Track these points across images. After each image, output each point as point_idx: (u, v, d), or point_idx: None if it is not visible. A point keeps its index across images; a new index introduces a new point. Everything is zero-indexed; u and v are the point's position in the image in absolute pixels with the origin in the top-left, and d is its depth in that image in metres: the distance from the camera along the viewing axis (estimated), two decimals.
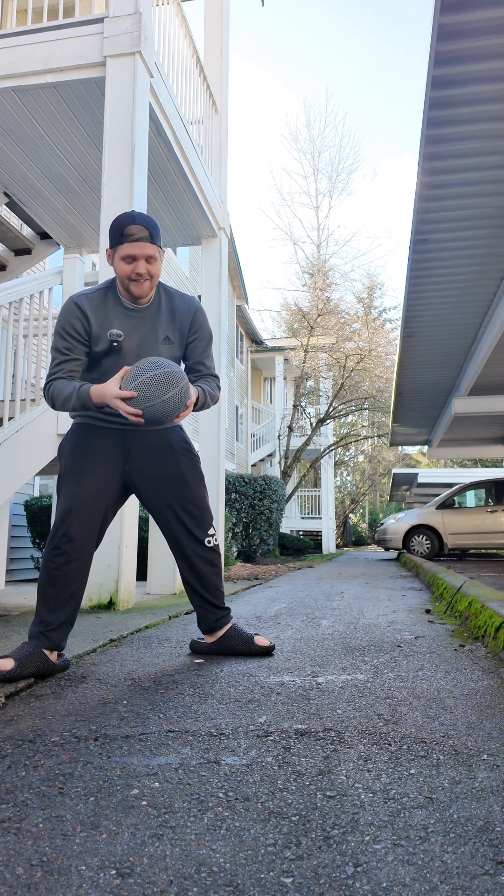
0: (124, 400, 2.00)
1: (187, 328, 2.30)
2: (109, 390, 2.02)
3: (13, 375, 4.25)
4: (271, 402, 22.47)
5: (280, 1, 48.95)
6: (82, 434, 2.26)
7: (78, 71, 4.14)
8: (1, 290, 3.90)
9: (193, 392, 2.15)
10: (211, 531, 2.38)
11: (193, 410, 2.23)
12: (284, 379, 20.31)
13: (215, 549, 2.40)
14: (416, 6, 46.81)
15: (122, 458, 2.28)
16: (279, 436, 17.91)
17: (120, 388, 2.02)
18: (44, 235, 6.55)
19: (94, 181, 5.27)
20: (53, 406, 2.15)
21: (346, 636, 2.86)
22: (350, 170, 48.26)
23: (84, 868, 0.93)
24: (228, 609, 2.45)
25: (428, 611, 3.78)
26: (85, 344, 2.17)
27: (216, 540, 2.41)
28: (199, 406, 2.28)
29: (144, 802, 1.15)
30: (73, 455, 2.23)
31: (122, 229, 2.11)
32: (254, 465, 19.39)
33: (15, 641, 2.57)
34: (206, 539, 2.35)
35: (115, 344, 2.18)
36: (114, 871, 0.92)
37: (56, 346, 2.16)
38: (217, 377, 2.42)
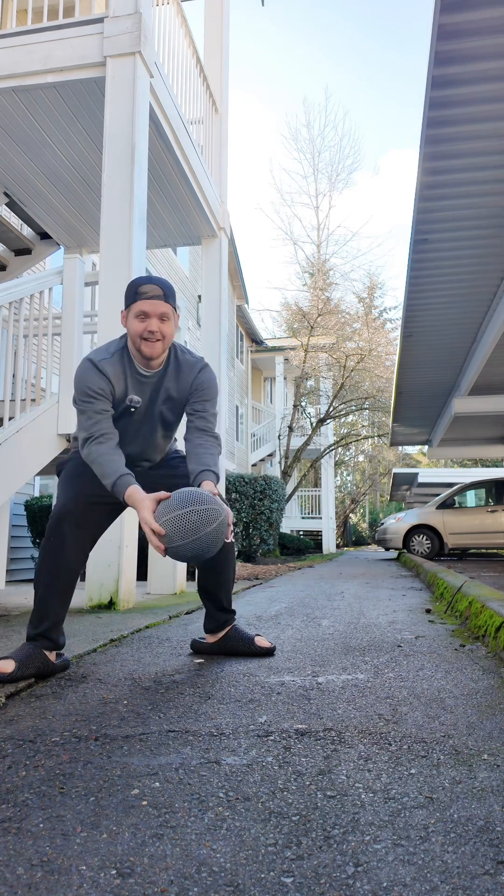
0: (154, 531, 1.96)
1: (189, 384, 2.26)
2: (142, 513, 1.97)
3: (13, 375, 4.25)
4: (271, 402, 22.47)
5: (280, 0, 48.96)
6: None
7: (78, 71, 4.14)
8: (1, 290, 3.90)
9: (228, 515, 2.05)
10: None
11: None
12: (284, 379, 20.31)
13: (231, 544, 2.39)
14: (416, 6, 46.82)
15: (137, 472, 2.36)
16: (279, 436, 17.91)
17: (154, 517, 1.96)
18: (44, 235, 6.55)
19: (94, 181, 5.27)
20: (88, 462, 2.10)
21: (347, 636, 2.86)
22: (350, 169, 48.37)
23: (84, 868, 0.93)
24: (234, 611, 2.46)
25: (428, 610, 3.78)
26: (110, 401, 2.15)
27: (231, 536, 2.40)
28: None
29: (145, 802, 1.15)
30: (75, 462, 2.25)
31: (137, 288, 2.12)
32: (254, 465, 19.39)
33: (15, 641, 2.57)
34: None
35: (133, 410, 2.19)
36: (114, 871, 0.92)
37: (83, 406, 2.11)
38: (217, 436, 2.33)
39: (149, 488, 2.34)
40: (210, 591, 2.39)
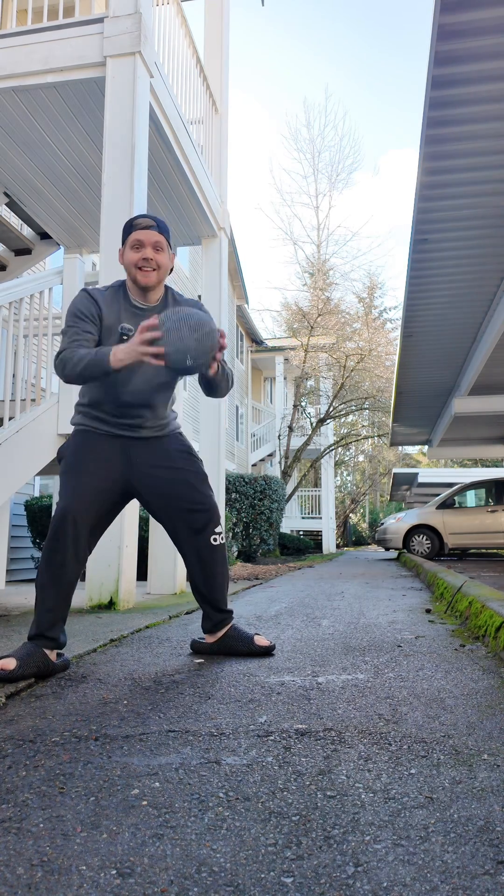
0: (150, 344, 1.98)
1: None
2: (131, 343, 2.00)
3: (13, 375, 4.25)
4: (271, 401, 22.48)
5: (280, 0, 48.96)
6: (84, 438, 2.27)
7: (78, 71, 4.14)
8: (1, 290, 3.90)
9: (223, 332, 2.10)
10: (218, 529, 2.37)
11: (216, 378, 2.18)
12: (284, 379, 20.31)
13: (221, 547, 2.39)
14: (416, 6, 46.82)
15: (124, 464, 2.29)
16: (279, 436, 17.91)
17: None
18: (44, 235, 6.55)
19: (94, 181, 5.27)
20: (63, 373, 2.09)
21: (347, 636, 2.86)
22: (350, 169, 48.39)
23: (84, 868, 0.93)
24: (231, 611, 2.45)
25: (428, 610, 3.78)
26: (97, 325, 2.17)
27: (222, 538, 2.40)
28: (222, 376, 2.22)
29: (145, 802, 1.15)
30: (74, 455, 2.23)
31: (132, 222, 2.19)
32: (254, 465, 19.39)
33: (15, 641, 2.57)
34: (213, 537, 2.36)
35: (126, 338, 2.18)
36: (114, 871, 0.92)
37: (69, 325, 2.16)
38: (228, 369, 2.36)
39: (151, 488, 2.32)
40: (203, 593, 2.39)
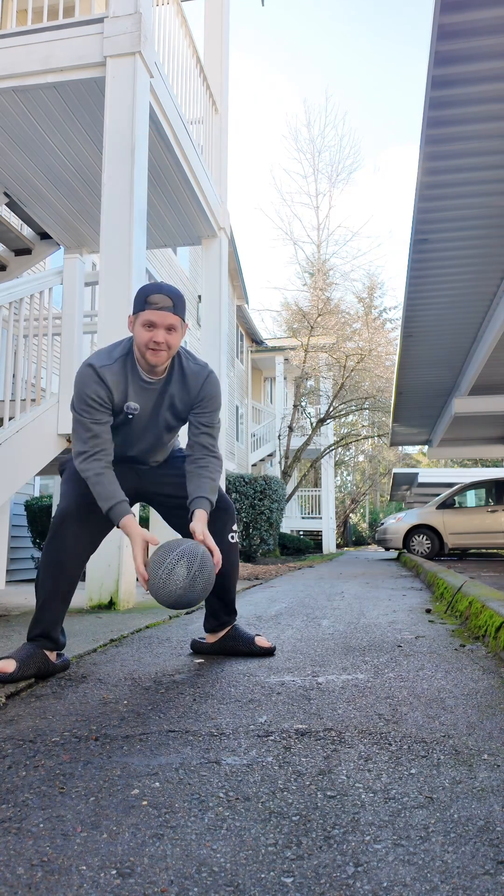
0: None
1: (195, 396, 2.25)
2: (134, 549, 2.04)
3: (13, 375, 4.25)
4: (271, 402, 22.48)
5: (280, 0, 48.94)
6: None
7: (78, 71, 4.14)
8: (1, 290, 3.90)
9: (217, 559, 2.10)
10: (235, 527, 2.41)
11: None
12: (284, 379, 20.32)
13: (237, 545, 2.43)
14: (417, 5, 46.81)
15: (133, 476, 2.36)
16: (279, 436, 17.91)
17: (145, 565, 2.02)
18: (44, 235, 6.54)
19: (94, 181, 5.27)
20: (85, 478, 2.10)
21: (347, 636, 2.86)
22: (350, 169, 48.38)
23: (84, 868, 0.93)
24: (235, 612, 2.46)
25: (428, 610, 3.78)
26: (109, 410, 2.14)
27: (237, 537, 2.44)
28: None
29: (145, 802, 1.15)
30: None
31: (147, 297, 2.10)
32: (254, 465, 19.39)
33: (15, 641, 2.57)
34: (231, 535, 2.39)
35: (131, 417, 2.19)
36: (114, 871, 0.92)
37: (82, 414, 2.10)
38: (217, 454, 2.32)
39: (152, 488, 2.37)
40: (218, 591, 2.39)
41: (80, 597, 4.14)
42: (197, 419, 2.28)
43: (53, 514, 2.17)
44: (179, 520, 2.38)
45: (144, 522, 6.11)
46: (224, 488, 6.17)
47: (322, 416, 17.51)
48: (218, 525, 2.34)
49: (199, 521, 2.14)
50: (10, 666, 1.93)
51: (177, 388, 2.24)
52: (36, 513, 7.16)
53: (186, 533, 2.37)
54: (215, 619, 2.42)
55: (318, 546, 20.24)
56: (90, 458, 2.09)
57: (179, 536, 2.39)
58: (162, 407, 2.23)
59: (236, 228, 39.41)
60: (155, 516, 5.22)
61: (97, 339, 4.24)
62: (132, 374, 2.17)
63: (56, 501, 5.67)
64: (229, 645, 2.40)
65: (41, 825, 1.07)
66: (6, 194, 5.58)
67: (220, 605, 2.41)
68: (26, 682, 1.95)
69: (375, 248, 45.59)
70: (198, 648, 2.46)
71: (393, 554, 16.18)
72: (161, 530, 4.77)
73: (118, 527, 2.08)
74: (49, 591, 2.10)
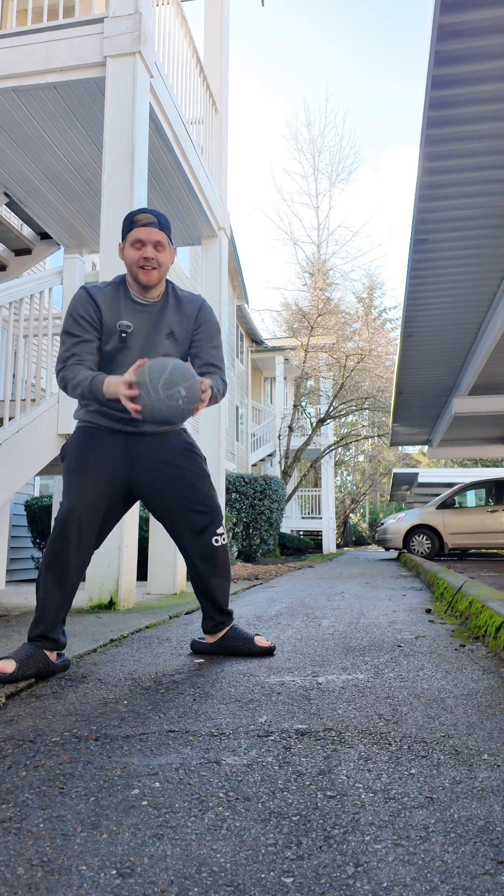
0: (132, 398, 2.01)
1: (192, 321, 2.30)
2: (120, 385, 2.03)
3: (13, 375, 4.25)
4: (271, 402, 22.48)
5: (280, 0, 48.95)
6: (86, 436, 2.25)
7: (78, 71, 4.14)
8: (1, 290, 3.90)
9: (205, 385, 2.08)
10: (220, 530, 2.36)
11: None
12: (284, 379, 20.32)
13: (223, 548, 2.38)
14: (417, 4, 46.81)
15: (126, 462, 2.27)
16: (279, 436, 17.91)
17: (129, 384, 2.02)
18: (44, 235, 6.55)
19: (94, 181, 5.27)
20: (65, 389, 2.15)
21: (347, 636, 2.86)
22: (350, 169, 48.39)
23: (84, 868, 0.93)
24: (231, 612, 2.45)
25: (428, 610, 3.78)
26: (97, 330, 2.18)
27: (224, 539, 2.39)
28: (213, 401, 2.25)
29: (145, 802, 1.15)
30: (77, 455, 2.22)
31: (132, 217, 2.16)
32: (254, 465, 19.39)
33: (15, 641, 2.57)
34: (214, 538, 2.35)
35: (124, 335, 2.19)
36: (114, 871, 0.92)
37: (67, 330, 2.17)
38: (222, 370, 2.37)
39: (152, 486, 2.31)
40: (205, 594, 2.39)
41: (80, 597, 4.14)
42: (199, 343, 2.31)
43: (56, 511, 2.16)
44: (172, 523, 2.34)
45: (145, 522, 6.11)
46: (224, 488, 6.17)
47: (322, 416, 17.51)
48: (200, 526, 2.31)
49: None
50: (9, 666, 1.93)
51: (173, 313, 2.25)
52: (36, 513, 7.16)
53: (178, 535, 2.35)
54: (210, 619, 2.42)
55: (318, 546, 20.25)
56: (68, 367, 2.13)
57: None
58: (159, 332, 2.23)
59: (236, 228, 39.44)
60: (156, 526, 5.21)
61: None
62: (124, 296, 2.21)
63: (56, 500, 5.66)
64: (229, 645, 2.40)
65: (41, 825, 1.07)
66: (6, 194, 5.58)
67: (210, 606, 2.40)
68: (26, 682, 1.95)
69: (375, 248, 45.60)
70: (198, 648, 2.46)
71: (393, 554, 16.18)
72: (163, 533, 4.77)
73: (103, 394, 2.06)
74: (51, 591, 2.09)
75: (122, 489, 2.28)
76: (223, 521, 2.40)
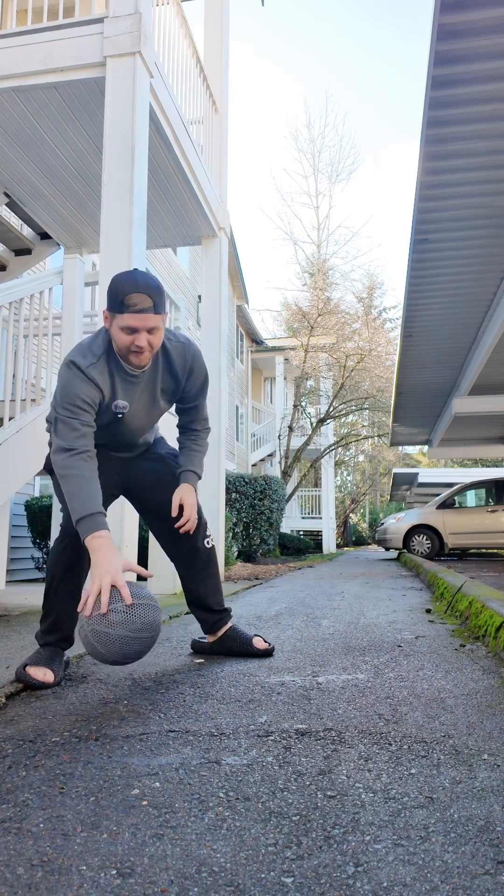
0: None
1: (184, 372, 2.19)
2: (105, 577, 1.78)
3: (13, 375, 4.25)
4: (271, 401, 22.48)
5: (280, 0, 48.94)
6: None
7: (78, 71, 4.13)
8: (1, 290, 3.91)
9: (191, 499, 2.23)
10: (209, 532, 2.38)
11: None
12: (284, 379, 20.32)
13: (213, 550, 2.40)
14: (417, 5, 46.81)
15: (122, 469, 2.31)
16: (279, 436, 17.91)
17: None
18: (44, 235, 6.54)
19: (94, 181, 5.27)
20: (60, 476, 1.93)
21: (347, 636, 2.86)
22: (350, 169, 48.39)
23: (85, 868, 0.93)
24: (228, 610, 2.45)
25: (428, 610, 3.78)
26: (95, 412, 2.02)
27: (213, 541, 2.41)
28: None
29: (145, 802, 1.15)
30: None
31: (124, 298, 1.90)
32: (254, 465, 19.39)
33: (15, 641, 2.57)
34: (206, 541, 2.36)
35: (120, 416, 2.11)
36: (114, 871, 0.92)
37: (67, 421, 1.94)
38: (208, 426, 2.39)
39: (135, 485, 2.33)
40: (198, 597, 2.38)
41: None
42: (187, 394, 2.27)
43: (62, 519, 2.13)
44: (159, 525, 2.34)
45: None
46: (224, 488, 6.17)
47: (322, 416, 17.51)
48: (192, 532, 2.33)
49: (182, 490, 2.25)
50: (49, 676, 1.96)
51: (164, 372, 2.15)
52: (36, 513, 7.15)
53: (164, 538, 2.36)
54: (205, 622, 2.42)
55: (318, 546, 20.24)
56: (75, 455, 1.92)
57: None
58: (151, 396, 2.17)
59: (236, 228, 39.41)
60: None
61: None
62: (117, 369, 2.04)
63: (55, 505, 5.66)
64: (227, 645, 2.40)
65: (41, 825, 1.07)
66: (6, 194, 5.58)
67: (203, 610, 2.40)
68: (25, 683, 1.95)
69: (375, 248, 45.59)
70: (198, 648, 2.47)
71: (393, 554, 16.18)
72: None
73: (84, 541, 1.86)
74: (66, 597, 2.10)
75: (117, 493, 2.32)
76: (206, 525, 2.38)
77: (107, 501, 2.25)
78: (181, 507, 2.26)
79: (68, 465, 1.91)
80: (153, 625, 1.85)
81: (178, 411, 2.39)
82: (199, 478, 2.34)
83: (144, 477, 2.33)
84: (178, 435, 2.40)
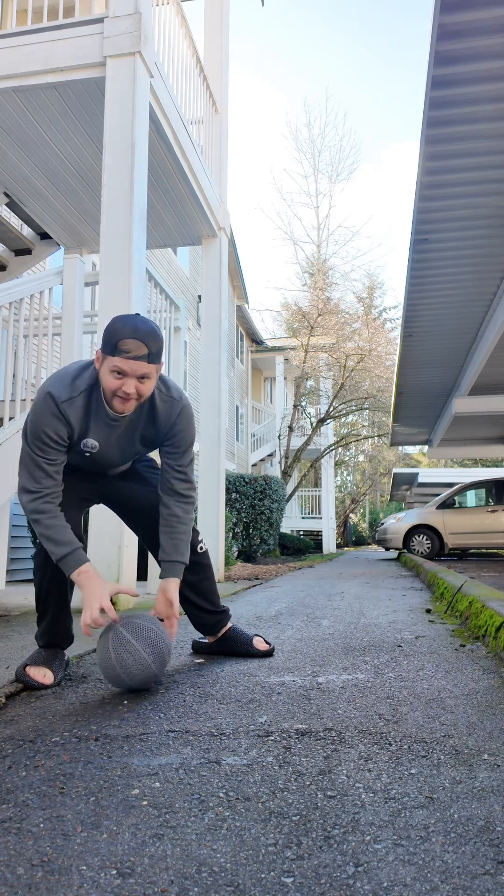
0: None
1: (166, 430, 2.05)
2: (90, 606, 1.84)
3: (13, 375, 4.25)
4: (271, 402, 22.49)
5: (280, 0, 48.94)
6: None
7: (78, 71, 4.13)
8: (1, 290, 3.91)
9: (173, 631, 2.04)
10: (200, 536, 2.34)
11: None
12: (284, 379, 20.33)
13: (205, 554, 2.36)
14: (418, 3, 46.82)
15: (100, 481, 2.23)
16: (279, 436, 17.91)
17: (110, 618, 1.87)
18: (44, 235, 6.54)
19: (94, 181, 5.27)
20: (32, 521, 1.89)
21: (347, 636, 2.86)
22: (350, 169, 48.40)
23: (85, 868, 0.93)
24: (226, 610, 2.44)
25: (428, 610, 3.78)
26: (64, 450, 1.93)
27: (205, 545, 2.38)
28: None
29: (145, 802, 1.15)
30: None
31: (118, 341, 1.79)
32: (254, 465, 19.39)
33: (15, 641, 2.57)
34: (199, 546, 2.33)
35: (88, 455, 2.00)
36: (114, 871, 0.92)
37: (34, 457, 1.87)
38: (193, 491, 2.16)
39: (114, 493, 2.27)
40: (194, 601, 2.35)
41: (81, 597, 4.13)
42: (168, 458, 2.09)
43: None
44: (142, 532, 2.29)
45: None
46: (224, 488, 6.17)
47: (322, 416, 17.51)
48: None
49: (169, 586, 2.06)
50: (48, 678, 1.96)
51: (145, 424, 2.02)
52: None
53: (146, 537, 2.29)
54: (204, 624, 2.41)
55: (318, 546, 20.24)
56: (40, 499, 1.88)
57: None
58: (129, 440, 2.04)
59: (236, 228, 39.41)
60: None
61: (97, 340, 4.25)
62: (97, 410, 1.91)
63: None
64: (227, 645, 2.40)
65: (41, 825, 1.07)
66: (6, 194, 5.58)
67: (201, 612, 2.37)
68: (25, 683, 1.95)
69: (375, 248, 45.61)
70: (198, 648, 2.47)
71: (393, 554, 16.18)
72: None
73: (70, 576, 1.88)
74: (57, 597, 2.08)
75: (95, 500, 2.26)
76: (198, 532, 2.33)
77: (84, 505, 2.21)
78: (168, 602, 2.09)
79: (35, 509, 1.88)
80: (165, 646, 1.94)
81: (161, 454, 2.15)
82: (186, 566, 2.14)
83: (127, 487, 2.26)
84: (161, 496, 2.14)
